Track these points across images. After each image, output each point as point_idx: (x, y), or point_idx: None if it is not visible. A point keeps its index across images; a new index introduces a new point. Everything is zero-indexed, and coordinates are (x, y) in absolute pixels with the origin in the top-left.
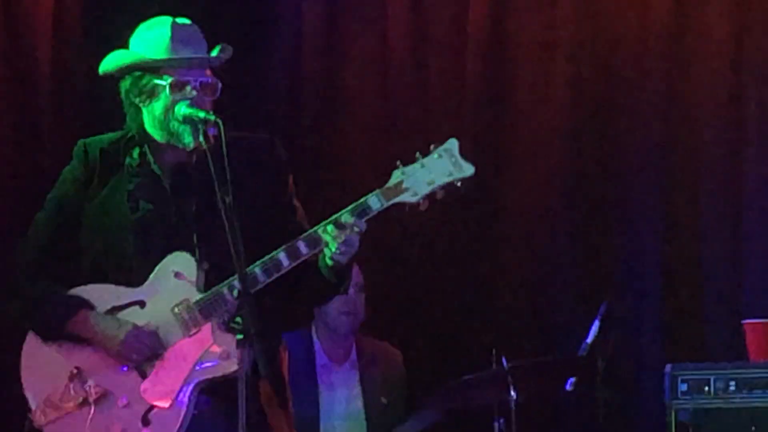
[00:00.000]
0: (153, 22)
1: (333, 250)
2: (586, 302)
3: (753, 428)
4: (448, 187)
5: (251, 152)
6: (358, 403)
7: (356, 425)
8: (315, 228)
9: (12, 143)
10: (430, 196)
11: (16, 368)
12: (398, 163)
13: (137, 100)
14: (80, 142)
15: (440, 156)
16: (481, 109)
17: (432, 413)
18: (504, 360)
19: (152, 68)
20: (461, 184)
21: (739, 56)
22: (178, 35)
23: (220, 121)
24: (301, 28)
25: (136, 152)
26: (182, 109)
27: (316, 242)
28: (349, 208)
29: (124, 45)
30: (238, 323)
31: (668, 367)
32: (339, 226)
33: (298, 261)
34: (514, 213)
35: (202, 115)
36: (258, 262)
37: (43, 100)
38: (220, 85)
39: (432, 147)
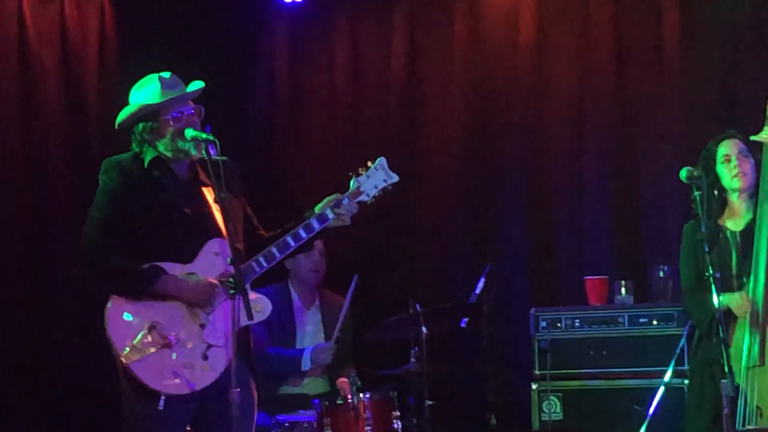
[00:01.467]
0: (144, 81)
1: (335, 221)
2: (475, 263)
3: (591, 352)
4: (384, 189)
5: (224, 171)
6: (321, 334)
7: None
8: (320, 211)
9: (64, 148)
10: (375, 196)
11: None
12: (351, 174)
13: (149, 137)
14: (109, 159)
15: (377, 169)
16: (401, 129)
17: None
18: (417, 305)
19: (153, 112)
20: (391, 187)
21: (580, 91)
22: (164, 84)
23: (216, 140)
24: (273, 70)
25: (159, 168)
26: (190, 132)
27: (322, 219)
28: (327, 202)
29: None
30: (231, 282)
31: (533, 310)
32: (336, 208)
33: (312, 233)
34: (423, 201)
35: (204, 136)
36: (273, 245)
37: (90, 118)
38: (202, 108)
39: (369, 163)
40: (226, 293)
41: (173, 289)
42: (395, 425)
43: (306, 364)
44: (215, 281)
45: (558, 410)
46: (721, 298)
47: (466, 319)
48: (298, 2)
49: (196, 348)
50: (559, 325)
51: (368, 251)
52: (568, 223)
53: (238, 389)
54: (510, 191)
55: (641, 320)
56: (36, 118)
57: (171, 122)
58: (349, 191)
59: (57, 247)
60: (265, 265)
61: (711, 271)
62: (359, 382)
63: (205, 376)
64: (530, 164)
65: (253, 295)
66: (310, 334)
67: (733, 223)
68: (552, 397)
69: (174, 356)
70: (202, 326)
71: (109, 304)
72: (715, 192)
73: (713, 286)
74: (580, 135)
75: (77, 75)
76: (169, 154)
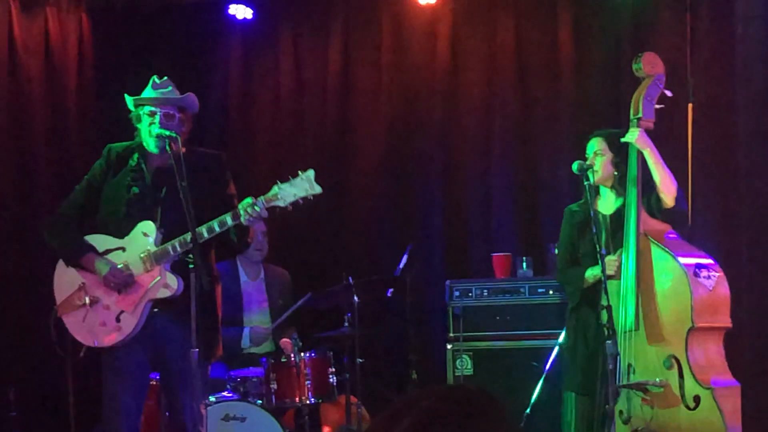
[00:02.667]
0: (152, 79)
1: (243, 221)
2: (399, 242)
3: (497, 317)
4: (304, 199)
5: (204, 161)
6: (265, 304)
7: (264, 317)
8: (235, 210)
9: (48, 146)
10: (294, 204)
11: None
12: (278, 181)
13: (135, 123)
14: (108, 146)
15: (302, 179)
16: (336, 127)
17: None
18: (350, 278)
19: (140, 104)
20: (313, 198)
21: (488, 95)
22: (154, 85)
23: (178, 137)
24: (227, 78)
25: (135, 157)
26: (155, 129)
27: (235, 217)
28: (245, 204)
29: (126, 86)
30: (190, 258)
31: (447, 282)
32: (249, 209)
33: (225, 227)
34: (355, 189)
35: (166, 133)
36: (203, 226)
37: (71, 120)
38: (178, 115)
39: (299, 172)
40: (144, 268)
41: (92, 268)
42: (331, 380)
43: (245, 342)
44: (125, 268)
45: (469, 367)
46: (594, 270)
47: (391, 290)
48: (249, 19)
49: (111, 311)
50: (470, 294)
51: (308, 232)
52: (477, 208)
53: (197, 349)
54: (428, 181)
55: (539, 290)
56: (24, 120)
57: (147, 114)
58: (266, 196)
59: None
60: (179, 250)
61: (599, 249)
62: (300, 343)
63: (113, 335)
64: (446, 158)
65: (166, 274)
66: (256, 302)
67: (605, 208)
68: (464, 356)
69: (91, 314)
70: (119, 293)
71: (58, 264)
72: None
73: (600, 261)
74: (488, 133)
75: (60, 81)
76: (147, 146)
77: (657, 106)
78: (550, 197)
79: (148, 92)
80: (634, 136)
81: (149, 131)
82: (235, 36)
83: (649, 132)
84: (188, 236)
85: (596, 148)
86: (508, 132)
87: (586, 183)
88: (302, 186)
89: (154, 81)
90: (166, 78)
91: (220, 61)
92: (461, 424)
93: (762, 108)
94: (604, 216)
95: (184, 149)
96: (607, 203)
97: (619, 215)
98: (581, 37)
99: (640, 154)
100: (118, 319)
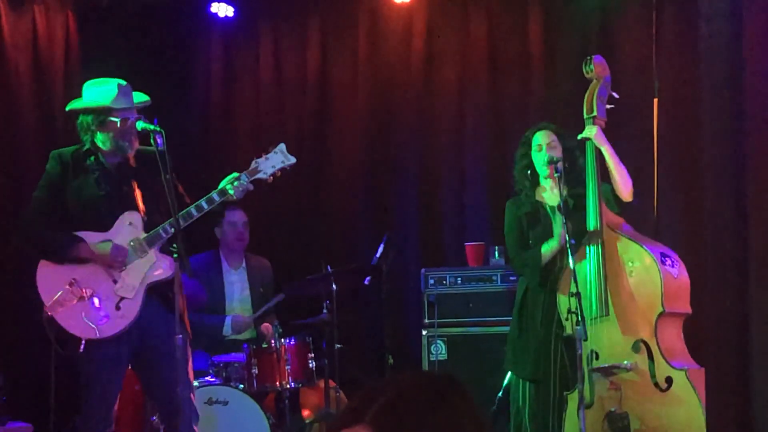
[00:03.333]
0: (102, 81)
1: (231, 193)
2: (376, 232)
3: (470, 304)
4: (282, 170)
5: (151, 159)
6: (246, 292)
7: (245, 305)
8: (220, 188)
9: (35, 140)
10: (273, 175)
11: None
12: (254, 157)
13: (94, 128)
14: (54, 151)
15: (276, 153)
16: (315, 121)
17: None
18: (329, 267)
19: (106, 110)
20: (290, 168)
21: (461, 91)
22: (121, 91)
23: (163, 131)
24: (209, 73)
25: (92, 158)
26: (141, 124)
27: (222, 193)
28: (229, 179)
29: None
30: (174, 248)
31: (423, 270)
32: (235, 182)
33: (213, 204)
34: (334, 181)
35: (152, 127)
36: (192, 205)
37: (58, 115)
38: (134, 119)
39: (270, 147)
40: (137, 254)
41: (87, 254)
42: (310, 365)
43: (227, 330)
44: (124, 245)
45: (443, 352)
46: (549, 244)
47: (369, 278)
48: (230, 17)
49: (110, 300)
50: (444, 282)
51: (288, 223)
52: (451, 199)
53: (180, 335)
54: (404, 173)
55: (511, 278)
56: (12, 115)
57: (118, 124)
58: (248, 170)
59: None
60: (170, 231)
61: (568, 239)
62: (281, 330)
63: (118, 323)
64: (420, 151)
65: (160, 256)
66: (237, 290)
67: (549, 199)
68: (438, 341)
69: (89, 307)
70: (115, 282)
71: (39, 267)
72: (528, 172)
73: (569, 251)
74: (461, 126)
75: (47, 77)
76: (104, 147)
77: (607, 107)
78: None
79: (115, 99)
80: (592, 132)
81: (120, 137)
82: (217, 33)
83: (614, 127)
84: (179, 218)
85: (549, 140)
86: (481, 125)
87: (556, 174)
88: (278, 158)
89: (119, 85)
90: (126, 83)
91: (203, 57)
92: (425, 412)
93: (725, 103)
94: (551, 207)
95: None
96: (551, 195)
97: (566, 206)
98: (551, 33)
99: (598, 150)
100: (118, 307)
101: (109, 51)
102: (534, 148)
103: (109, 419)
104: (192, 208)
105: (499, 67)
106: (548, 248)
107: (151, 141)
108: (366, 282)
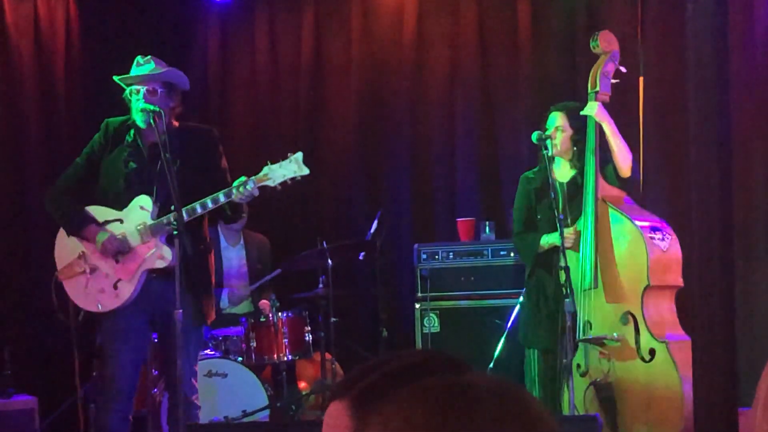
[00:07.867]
0: (136, 59)
1: (235, 198)
2: (370, 208)
3: (462, 278)
4: (293, 180)
5: (196, 136)
6: (244, 269)
7: (242, 281)
8: (228, 189)
9: (38, 123)
10: (283, 184)
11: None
12: (268, 162)
13: (128, 102)
14: (105, 120)
15: (291, 161)
16: (310, 101)
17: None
18: (324, 242)
19: (128, 83)
20: (301, 179)
21: (452, 70)
22: (138, 64)
23: (162, 111)
24: (206, 57)
25: (132, 132)
26: (140, 104)
27: (228, 195)
28: (238, 183)
29: (112, 66)
30: (174, 225)
31: (415, 245)
32: (241, 188)
33: (218, 204)
34: (329, 159)
35: (150, 107)
36: (197, 202)
37: (59, 97)
38: (161, 90)
39: (289, 154)
40: (141, 239)
41: (90, 237)
42: (307, 338)
43: (224, 303)
44: (122, 237)
45: (436, 325)
46: (549, 237)
47: (363, 253)
48: (227, 1)
49: (110, 278)
50: (436, 257)
51: (285, 200)
52: (443, 175)
53: (181, 310)
54: (397, 150)
55: (501, 253)
56: (15, 99)
57: (133, 92)
58: (257, 176)
59: (32, 211)
60: (174, 224)
61: (557, 214)
62: (278, 304)
63: (112, 301)
64: (412, 129)
65: (162, 246)
66: (235, 266)
67: (560, 176)
68: (431, 314)
69: (90, 281)
70: (117, 262)
71: (59, 233)
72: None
73: (558, 226)
74: (453, 105)
75: (48, 62)
76: (138, 123)
77: (612, 81)
78: (511, 165)
79: (132, 71)
80: (593, 109)
81: (137, 107)
82: (214, 16)
83: (605, 104)
84: (184, 212)
85: (558, 123)
86: (472, 104)
87: (544, 152)
88: (291, 168)
89: (137, 60)
90: (149, 56)
91: (200, 40)
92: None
93: (709, 81)
94: (561, 183)
95: (176, 124)
96: (562, 172)
97: (574, 183)
98: (539, 14)
99: (598, 126)
100: (115, 287)
101: (108, 36)
102: (548, 130)
103: (124, 400)
104: (197, 205)
105: (488, 47)
106: (547, 242)
107: (150, 121)
108: (360, 257)
